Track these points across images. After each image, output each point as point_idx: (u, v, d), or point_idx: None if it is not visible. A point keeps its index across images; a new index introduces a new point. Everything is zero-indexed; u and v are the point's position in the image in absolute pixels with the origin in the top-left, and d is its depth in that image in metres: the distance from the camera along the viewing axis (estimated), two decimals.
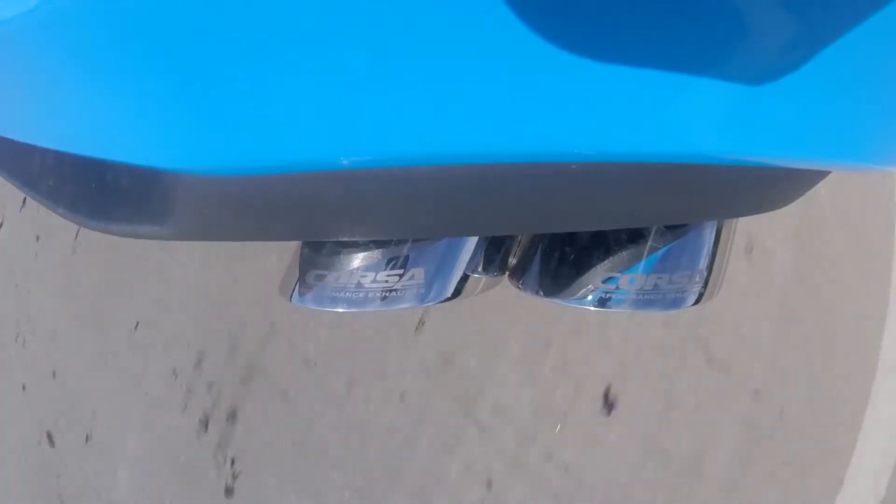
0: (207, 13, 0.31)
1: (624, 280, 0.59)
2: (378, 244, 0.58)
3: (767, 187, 0.52)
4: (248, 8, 0.30)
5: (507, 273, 0.65)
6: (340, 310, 0.59)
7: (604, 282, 0.59)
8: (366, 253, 0.58)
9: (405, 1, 0.29)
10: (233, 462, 1.08)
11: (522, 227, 0.53)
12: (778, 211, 0.55)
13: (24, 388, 1.28)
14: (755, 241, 0.98)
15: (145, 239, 0.51)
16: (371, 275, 0.58)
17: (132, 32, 0.32)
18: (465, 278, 0.61)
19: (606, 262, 0.59)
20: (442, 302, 0.61)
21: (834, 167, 0.45)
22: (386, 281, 0.58)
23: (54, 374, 1.25)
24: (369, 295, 0.59)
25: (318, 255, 0.59)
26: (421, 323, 1.00)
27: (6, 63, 0.40)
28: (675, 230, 0.59)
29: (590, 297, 0.60)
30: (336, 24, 0.30)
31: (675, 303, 0.60)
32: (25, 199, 1.32)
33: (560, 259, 0.61)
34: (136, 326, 1.17)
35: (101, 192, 0.50)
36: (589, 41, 0.30)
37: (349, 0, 0.29)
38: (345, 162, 0.36)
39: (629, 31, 0.30)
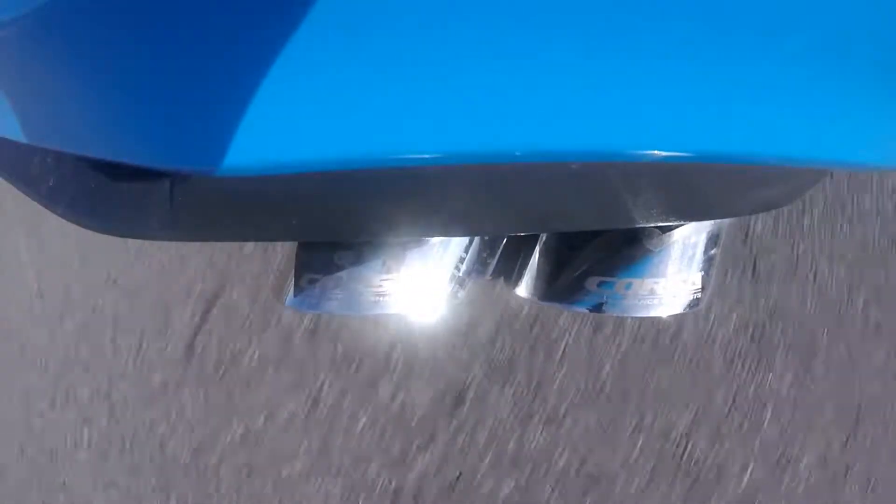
0: (217, 15, 0.31)
1: (620, 284, 0.59)
2: (372, 247, 0.58)
3: (767, 187, 0.52)
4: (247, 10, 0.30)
5: (502, 276, 0.66)
6: (334, 313, 0.59)
7: (599, 286, 0.59)
8: (359, 256, 0.58)
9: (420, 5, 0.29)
10: None
11: (522, 227, 0.53)
12: None
13: None
14: None
15: (146, 240, 0.51)
16: (365, 278, 0.58)
17: (136, 33, 0.32)
18: (459, 281, 0.61)
19: (602, 266, 0.59)
20: (436, 305, 0.61)
21: (834, 167, 0.46)
22: (380, 284, 0.58)
23: None
24: (363, 298, 0.59)
25: (312, 258, 0.59)
26: None
27: (7, 63, 0.40)
28: (671, 234, 0.59)
29: (585, 301, 0.60)
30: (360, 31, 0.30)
31: (671, 307, 0.60)
32: None
33: (556, 263, 0.61)
34: None
35: (101, 193, 0.50)
36: (591, 43, 0.30)
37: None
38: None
39: (629, 34, 0.31)
